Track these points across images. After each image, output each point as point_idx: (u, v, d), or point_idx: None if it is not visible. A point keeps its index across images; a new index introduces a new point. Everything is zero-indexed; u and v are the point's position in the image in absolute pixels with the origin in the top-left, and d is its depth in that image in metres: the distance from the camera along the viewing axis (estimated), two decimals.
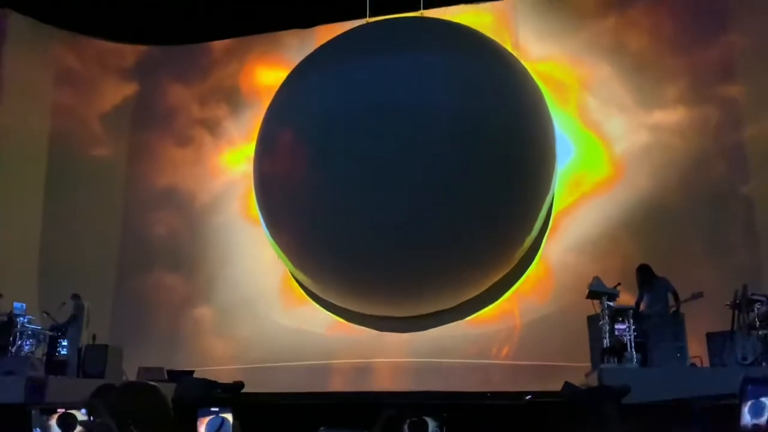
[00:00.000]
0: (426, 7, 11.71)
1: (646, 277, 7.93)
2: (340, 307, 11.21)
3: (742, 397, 2.52)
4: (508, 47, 11.44)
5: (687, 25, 10.84)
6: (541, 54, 11.44)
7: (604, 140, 10.94)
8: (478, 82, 10.56)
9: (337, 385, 10.63)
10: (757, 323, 7.42)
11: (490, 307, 10.73)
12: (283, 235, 11.19)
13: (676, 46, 10.82)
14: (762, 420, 2.49)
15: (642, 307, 7.86)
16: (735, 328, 7.53)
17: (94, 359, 9.46)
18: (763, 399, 2.46)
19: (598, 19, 11.33)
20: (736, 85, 10.52)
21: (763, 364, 7.15)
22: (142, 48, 13.51)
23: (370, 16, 11.77)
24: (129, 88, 13.39)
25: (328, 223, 10.42)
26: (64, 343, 9.72)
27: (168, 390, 6.09)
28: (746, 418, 2.50)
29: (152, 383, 2.77)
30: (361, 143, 10.20)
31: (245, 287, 11.85)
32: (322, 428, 4.87)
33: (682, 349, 7.62)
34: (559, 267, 10.54)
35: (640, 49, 11.01)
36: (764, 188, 9.98)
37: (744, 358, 7.23)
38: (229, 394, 6.06)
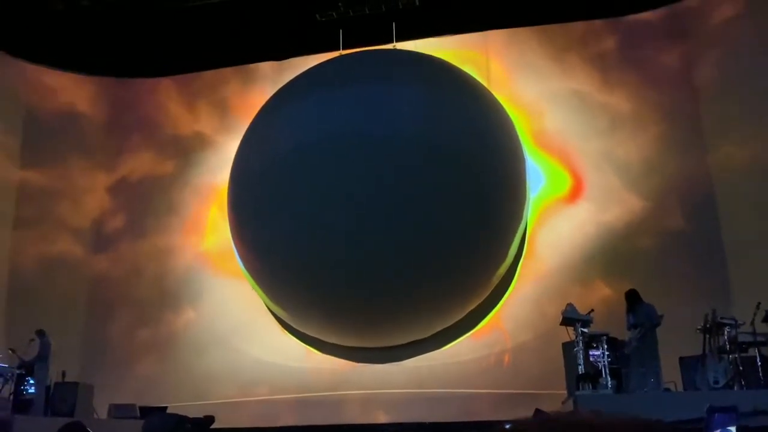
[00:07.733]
0: (399, 40, 11.88)
1: (631, 302, 7.98)
2: (317, 339, 11.10)
3: (708, 427, 2.54)
4: (481, 79, 11.62)
5: (654, 73, 11.16)
6: (514, 87, 11.64)
7: (573, 171, 11.13)
8: (452, 113, 10.68)
9: (315, 418, 10.46)
10: (728, 347, 7.52)
11: (467, 335, 10.72)
12: (259, 268, 11.08)
13: (644, 91, 11.12)
14: None
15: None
16: (706, 352, 7.62)
17: (63, 397, 9.20)
18: (729, 428, 2.49)
19: (570, 55, 11.58)
20: (701, 120, 10.83)
21: (735, 387, 7.24)
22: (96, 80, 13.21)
23: (343, 48, 11.90)
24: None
25: (305, 255, 10.36)
26: (32, 381, 9.44)
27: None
28: None
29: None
30: (336, 174, 10.22)
31: (219, 323, 11.67)
32: None
33: (657, 374, 7.66)
34: (534, 294, 10.60)
35: (609, 88, 11.29)
36: (731, 217, 10.24)
37: (716, 382, 7.30)
38: (198, 430, 5.92)
